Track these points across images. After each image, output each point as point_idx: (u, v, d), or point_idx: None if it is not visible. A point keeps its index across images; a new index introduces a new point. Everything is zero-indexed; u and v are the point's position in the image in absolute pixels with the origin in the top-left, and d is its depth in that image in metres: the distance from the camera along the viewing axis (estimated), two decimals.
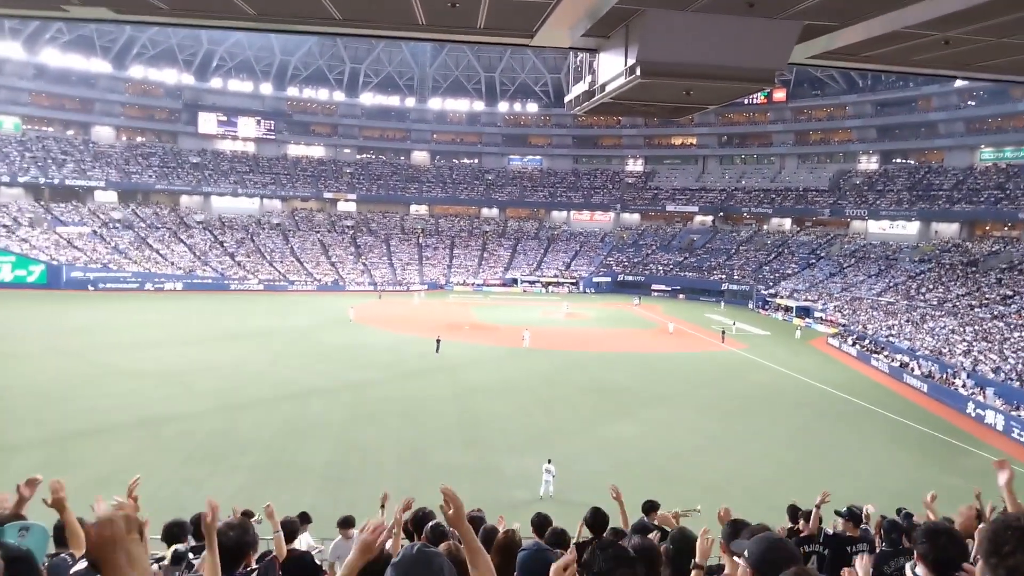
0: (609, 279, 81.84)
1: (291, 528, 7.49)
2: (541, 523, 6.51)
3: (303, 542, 9.34)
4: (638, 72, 5.20)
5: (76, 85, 79.34)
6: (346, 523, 9.20)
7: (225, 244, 77.86)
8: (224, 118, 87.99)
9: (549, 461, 20.59)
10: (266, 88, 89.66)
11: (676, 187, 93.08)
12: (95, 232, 71.63)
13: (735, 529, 4.42)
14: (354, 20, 6.02)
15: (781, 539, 3.30)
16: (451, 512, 3.09)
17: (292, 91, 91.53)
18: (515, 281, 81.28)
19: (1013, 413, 31.01)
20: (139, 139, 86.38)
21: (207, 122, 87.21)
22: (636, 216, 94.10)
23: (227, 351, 39.19)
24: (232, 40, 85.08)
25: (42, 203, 72.98)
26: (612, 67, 5.77)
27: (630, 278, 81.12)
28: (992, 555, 2.02)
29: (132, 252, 70.46)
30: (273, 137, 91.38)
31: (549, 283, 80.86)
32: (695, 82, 5.46)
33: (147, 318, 49.13)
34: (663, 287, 78.77)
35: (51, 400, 27.65)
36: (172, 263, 71.03)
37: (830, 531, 7.76)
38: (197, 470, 21.15)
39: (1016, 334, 42.17)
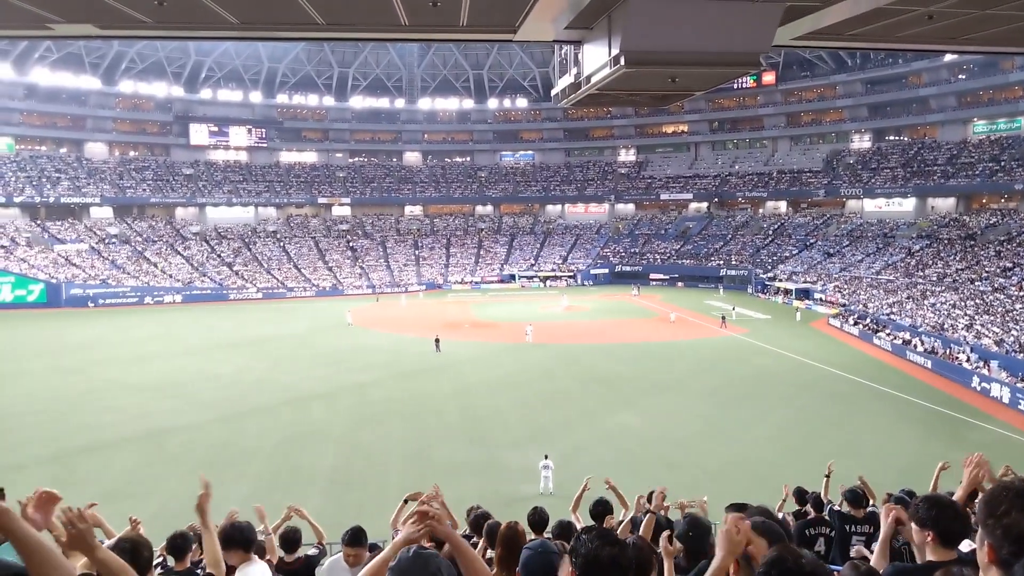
0: (607, 270, 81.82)
1: (293, 538, 7.50)
2: (539, 521, 6.49)
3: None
4: (622, 62, 5.18)
5: (67, 103, 79.18)
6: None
7: (222, 254, 77.82)
8: (215, 128, 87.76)
9: (546, 457, 20.59)
10: (256, 96, 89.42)
11: (669, 175, 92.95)
12: (92, 248, 71.63)
13: (737, 511, 4.44)
14: (337, 24, 6.01)
15: (763, 519, 3.35)
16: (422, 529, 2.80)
17: (282, 98, 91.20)
18: (513, 277, 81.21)
19: (1019, 385, 30.91)
20: (132, 153, 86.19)
21: (198, 133, 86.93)
22: (631, 206, 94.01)
23: (228, 360, 39.18)
24: (220, 50, 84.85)
25: (38, 222, 73.00)
26: (596, 58, 5.76)
27: (628, 268, 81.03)
28: (989, 517, 2.11)
29: (130, 267, 70.46)
30: (265, 145, 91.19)
31: (547, 277, 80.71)
32: (680, 69, 5.45)
33: (147, 331, 49.06)
34: (661, 276, 78.64)
35: (55, 417, 27.65)
36: (170, 276, 71.02)
37: (836, 508, 7.89)
38: None
39: (1018, 306, 42.15)
